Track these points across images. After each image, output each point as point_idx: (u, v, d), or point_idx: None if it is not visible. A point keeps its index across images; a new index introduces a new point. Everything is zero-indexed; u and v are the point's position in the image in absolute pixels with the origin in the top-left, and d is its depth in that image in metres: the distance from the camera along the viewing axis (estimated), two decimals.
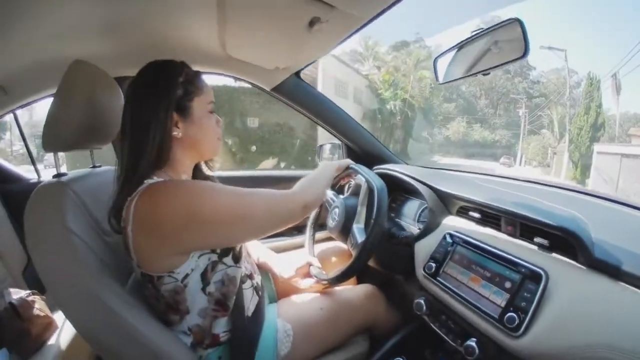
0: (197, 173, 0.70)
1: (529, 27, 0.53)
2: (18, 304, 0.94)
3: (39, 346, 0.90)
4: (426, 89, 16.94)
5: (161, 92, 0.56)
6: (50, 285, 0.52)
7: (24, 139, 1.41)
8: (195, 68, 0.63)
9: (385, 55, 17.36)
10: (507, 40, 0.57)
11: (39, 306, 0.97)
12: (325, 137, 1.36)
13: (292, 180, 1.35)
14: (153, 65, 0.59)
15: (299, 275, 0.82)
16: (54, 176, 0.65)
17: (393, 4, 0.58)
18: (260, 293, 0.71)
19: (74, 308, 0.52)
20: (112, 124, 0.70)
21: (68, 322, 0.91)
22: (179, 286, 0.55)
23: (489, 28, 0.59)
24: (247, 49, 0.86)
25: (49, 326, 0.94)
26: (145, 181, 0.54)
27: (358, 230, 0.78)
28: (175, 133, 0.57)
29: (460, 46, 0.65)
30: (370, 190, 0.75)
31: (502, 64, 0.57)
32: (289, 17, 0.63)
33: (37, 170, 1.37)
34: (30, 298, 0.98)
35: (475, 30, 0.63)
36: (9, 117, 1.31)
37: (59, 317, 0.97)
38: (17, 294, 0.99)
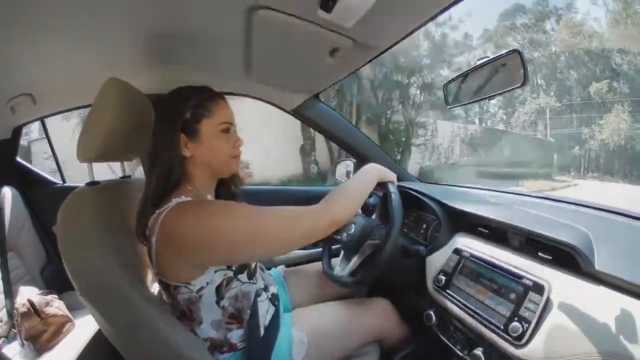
0: (222, 190, 0.79)
1: None
2: (37, 302, 1.05)
3: (56, 343, 0.99)
4: None
5: (169, 115, 0.68)
6: (79, 281, 0.58)
7: (50, 145, 1.59)
8: (219, 90, 0.72)
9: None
10: (509, 69, 0.68)
11: (58, 305, 1.08)
12: None
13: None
14: (172, 92, 0.71)
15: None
16: (88, 184, 0.73)
17: (406, 36, 0.71)
18: (276, 303, 0.79)
19: (100, 303, 0.58)
20: (143, 138, 0.77)
21: (85, 322, 1.02)
22: (194, 296, 0.64)
23: (492, 58, 0.71)
24: (270, 73, 0.96)
25: (66, 325, 1.04)
26: (174, 199, 0.62)
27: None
28: (184, 153, 0.67)
29: (468, 73, 0.77)
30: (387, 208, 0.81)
31: (504, 91, 0.68)
32: (311, 47, 0.72)
33: (62, 175, 1.53)
34: (50, 297, 1.09)
35: (482, 59, 0.75)
36: None
37: (76, 317, 1.07)
38: (35, 292, 1.10)
